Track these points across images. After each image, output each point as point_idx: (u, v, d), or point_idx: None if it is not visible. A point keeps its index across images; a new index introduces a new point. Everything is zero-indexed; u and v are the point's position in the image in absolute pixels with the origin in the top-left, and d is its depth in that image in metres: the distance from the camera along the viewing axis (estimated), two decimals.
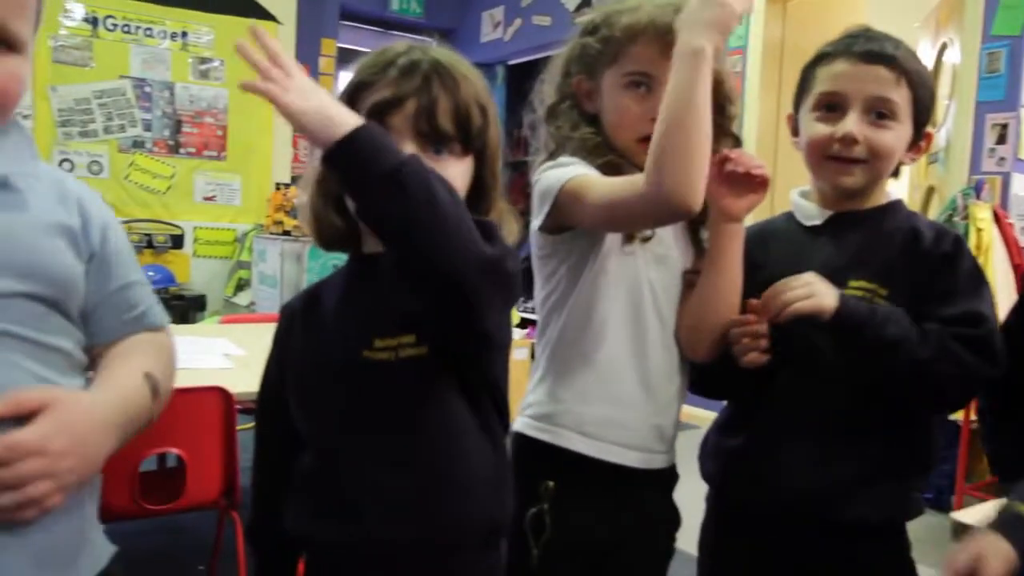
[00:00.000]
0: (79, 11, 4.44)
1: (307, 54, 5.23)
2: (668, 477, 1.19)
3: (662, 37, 1.07)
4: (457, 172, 0.90)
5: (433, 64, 0.89)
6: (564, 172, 1.06)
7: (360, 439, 0.89)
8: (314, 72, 5.40)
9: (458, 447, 0.90)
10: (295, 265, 3.91)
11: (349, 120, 0.76)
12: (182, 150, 4.79)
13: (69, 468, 0.75)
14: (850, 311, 1.04)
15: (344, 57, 5.62)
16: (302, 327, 0.96)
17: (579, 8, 4.92)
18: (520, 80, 5.42)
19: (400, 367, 0.87)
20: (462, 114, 0.89)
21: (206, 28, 4.79)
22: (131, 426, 0.85)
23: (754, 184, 1.06)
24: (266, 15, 4.92)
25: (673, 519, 1.20)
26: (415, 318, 0.87)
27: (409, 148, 0.87)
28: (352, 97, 0.90)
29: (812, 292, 1.04)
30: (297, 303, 1.00)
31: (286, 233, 4.05)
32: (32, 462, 0.72)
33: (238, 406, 1.70)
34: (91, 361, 0.90)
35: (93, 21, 4.48)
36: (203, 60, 4.82)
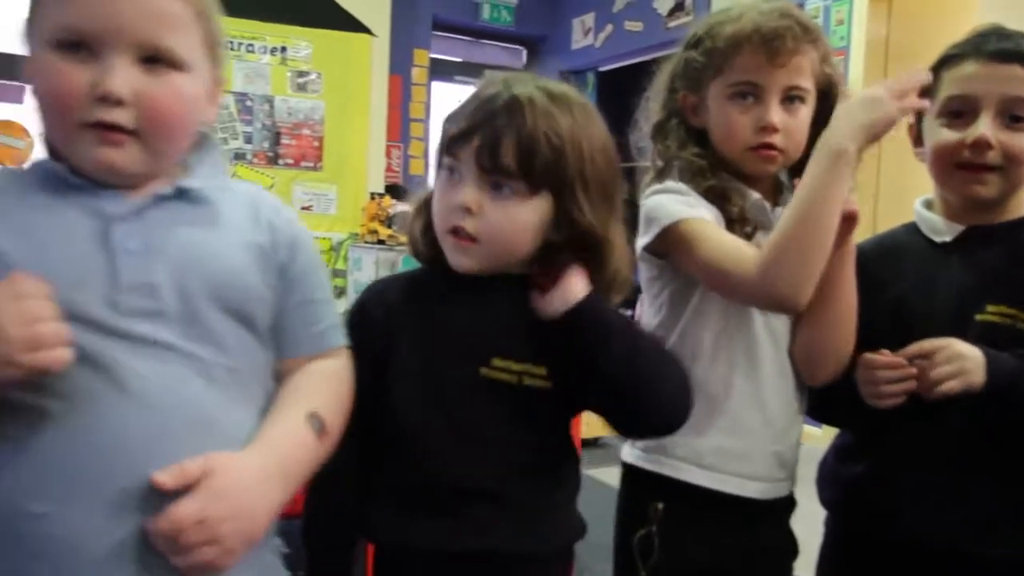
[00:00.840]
0: None
1: (400, 65, 5.33)
2: (786, 505, 1.15)
3: (767, 44, 1.05)
4: (520, 211, 0.89)
5: (509, 98, 0.88)
6: (677, 207, 1.05)
7: (464, 452, 0.90)
8: (406, 83, 5.49)
9: (557, 470, 0.94)
10: (389, 272, 3.98)
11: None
12: (280, 161, 4.93)
13: (231, 531, 0.78)
14: (1000, 377, 0.99)
15: (436, 67, 5.70)
16: (407, 331, 0.95)
17: (672, 13, 4.85)
18: (611, 86, 5.38)
19: (521, 392, 0.90)
20: (527, 150, 0.87)
21: (304, 42, 4.92)
22: (294, 472, 0.86)
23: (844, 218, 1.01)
24: (361, 28, 5.02)
25: (790, 549, 1.16)
26: (550, 355, 0.90)
27: (472, 185, 0.88)
28: (443, 129, 0.93)
29: (961, 369, 0.99)
30: (393, 300, 0.98)
31: (381, 242, 4.11)
32: (195, 532, 0.76)
33: None
34: (278, 376, 0.92)
35: None
36: (301, 73, 4.96)
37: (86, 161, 0.81)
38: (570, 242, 0.91)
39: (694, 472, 1.08)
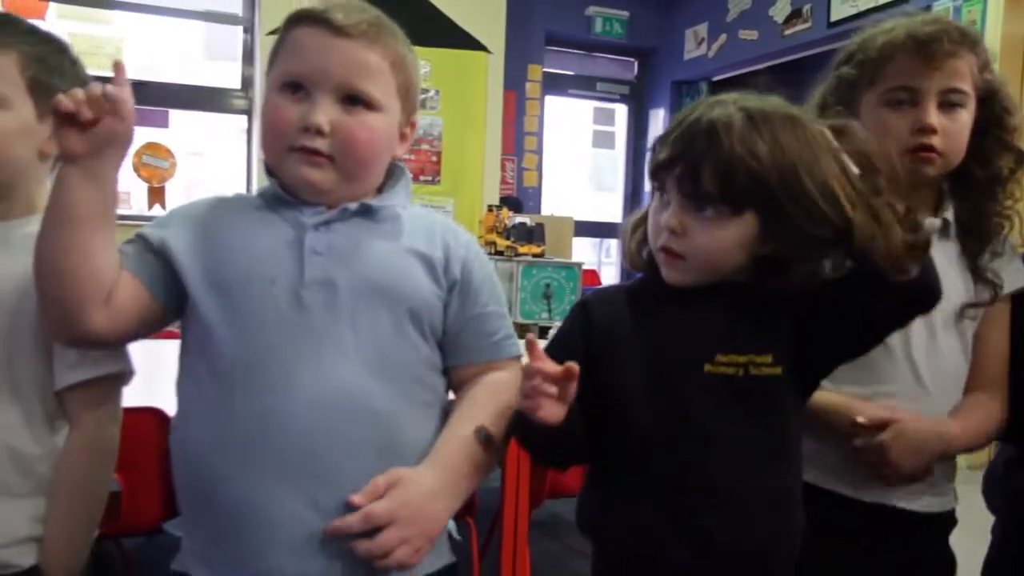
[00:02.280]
0: None
1: (514, 80, 5.44)
2: (946, 521, 1.16)
3: (922, 48, 1.07)
4: (723, 232, 0.94)
5: (707, 123, 0.93)
6: None
7: (693, 446, 0.96)
8: (520, 97, 5.61)
9: (787, 456, 0.99)
10: (508, 284, 4.07)
11: None
12: None
13: (417, 533, 0.92)
14: None
15: (549, 81, 5.79)
16: (629, 334, 1.01)
17: (788, 20, 4.79)
18: None
19: (748, 382, 0.95)
20: (725, 175, 0.91)
21: (423, 61, 5.10)
22: (464, 484, 0.99)
23: None
24: (478, 46, 5.17)
25: (947, 566, 1.17)
26: (775, 340, 0.96)
27: (677, 207, 0.96)
28: (650, 154, 1.01)
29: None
30: (615, 304, 1.05)
31: (499, 253, 4.21)
32: (390, 532, 0.90)
33: None
34: (457, 384, 1.06)
35: None
36: (420, 91, 5.14)
37: (292, 177, 0.98)
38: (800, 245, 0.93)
39: (845, 486, 1.12)
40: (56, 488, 1.05)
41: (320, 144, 0.96)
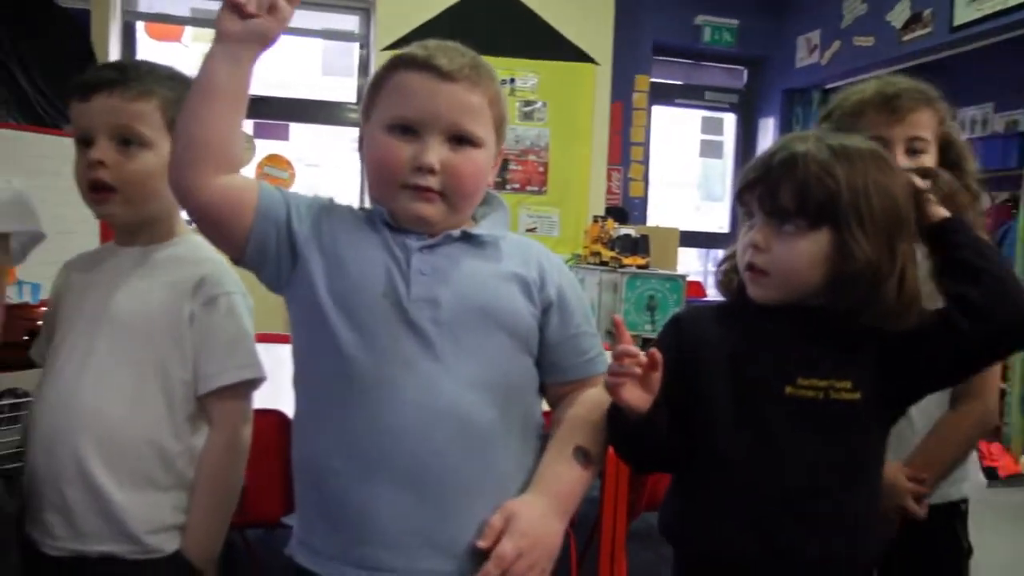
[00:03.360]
0: None
1: (621, 91, 5.46)
2: (949, 511, 1.34)
3: (889, 102, 1.29)
4: (801, 244, 1.02)
5: (787, 155, 1.03)
6: None
7: (774, 465, 1.02)
8: (627, 108, 5.61)
9: (867, 477, 1.06)
10: (612, 294, 4.09)
11: None
12: (508, 186, 5.21)
13: (540, 557, 1.00)
14: None
15: (656, 91, 5.78)
16: (716, 355, 1.08)
17: (908, 25, 4.63)
18: None
19: (828, 406, 1.02)
20: (802, 191, 1.01)
21: (531, 73, 5.19)
22: (568, 504, 1.06)
23: None
24: (585, 57, 5.22)
25: (958, 554, 1.33)
26: (855, 367, 1.03)
27: (761, 225, 1.05)
28: (737, 181, 1.13)
29: None
30: (706, 324, 1.12)
31: (603, 264, 4.23)
32: (519, 564, 0.98)
33: None
34: (554, 400, 1.14)
35: None
36: (527, 103, 5.23)
37: (404, 211, 1.06)
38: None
39: None
40: (198, 482, 1.18)
41: (432, 182, 1.03)
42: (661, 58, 5.87)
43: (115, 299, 1.19)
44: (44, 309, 1.32)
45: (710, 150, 6.40)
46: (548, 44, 5.17)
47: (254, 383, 1.22)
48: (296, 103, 5.11)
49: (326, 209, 1.09)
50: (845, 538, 1.02)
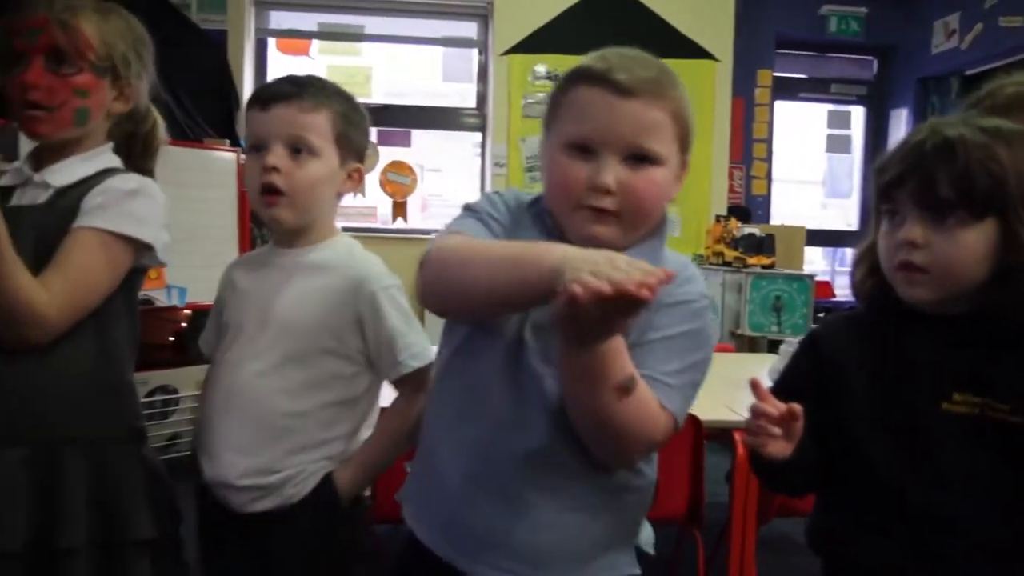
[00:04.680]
0: (542, 70, 5.06)
1: (743, 87, 5.33)
2: None
3: None
4: (967, 237, 0.96)
5: (939, 141, 0.95)
6: None
7: (929, 483, 0.97)
8: (749, 104, 5.47)
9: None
10: (736, 295, 3.99)
11: None
12: None
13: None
14: None
15: (779, 86, 5.61)
16: (860, 366, 1.03)
17: None
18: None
19: (985, 424, 0.96)
20: (964, 180, 0.93)
21: None
22: (599, 358, 0.96)
23: None
24: (705, 54, 5.12)
25: None
26: (1015, 389, 0.96)
27: (915, 222, 0.97)
28: (875, 178, 1.03)
29: None
30: (844, 337, 1.07)
31: (726, 264, 4.14)
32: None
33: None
34: None
35: (554, 78, 5.07)
36: None
37: (577, 233, 1.02)
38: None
39: None
40: (375, 432, 1.31)
41: (608, 203, 1.00)
42: (784, 51, 5.69)
43: (280, 296, 1.28)
44: (187, 312, 1.41)
45: (837, 145, 6.15)
46: (667, 42, 5.08)
47: (427, 368, 1.30)
48: (417, 110, 5.23)
49: (515, 227, 1.08)
50: (1007, 554, 0.96)
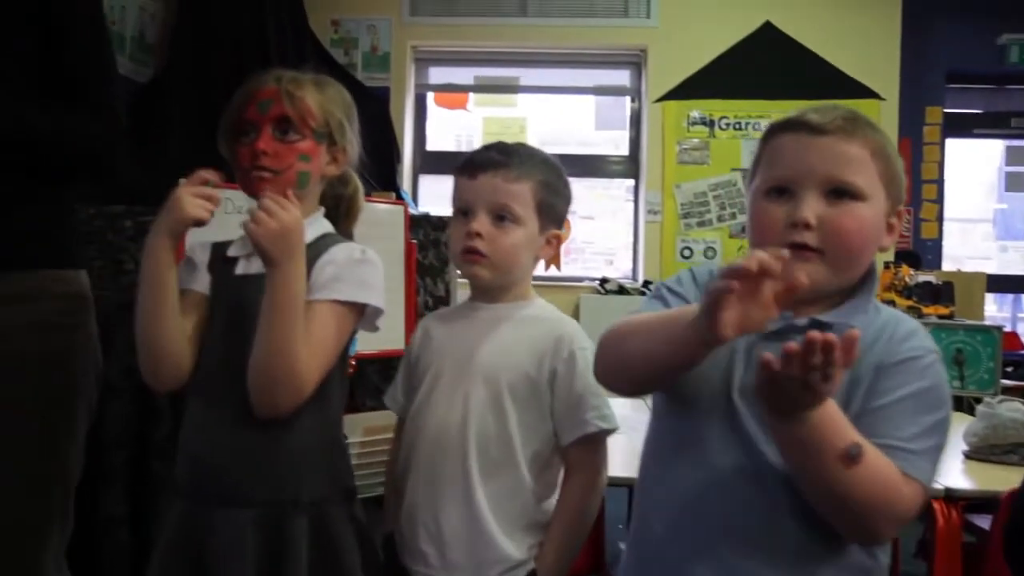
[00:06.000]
0: (698, 115, 5.01)
1: (911, 126, 5.07)
2: None
3: None
4: None
5: None
6: None
7: None
8: (917, 143, 5.20)
9: None
10: None
11: None
12: None
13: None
14: None
15: (951, 122, 5.30)
16: None
17: None
18: None
19: None
20: None
21: None
22: (818, 431, 0.91)
23: None
24: (869, 93, 4.92)
25: None
26: None
27: None
28: None
29: None
30: None
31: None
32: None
33: None
34: None
35: (710, 123, 5.01)
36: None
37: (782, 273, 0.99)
38: None
39: None
40: (557, 518, 1.31)
41: (808, 238, 0.99)
42: (956, 86, 5.38)
43: (482, 349, 1.33)
44: (354, 361, 1.47)
45: (1017, 183, 5.75)
46: (826, 82, 4.93)
47: (611, 432, 1.33)
48: (571, 158, 5.27)
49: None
50: None
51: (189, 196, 1.20)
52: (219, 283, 1.30)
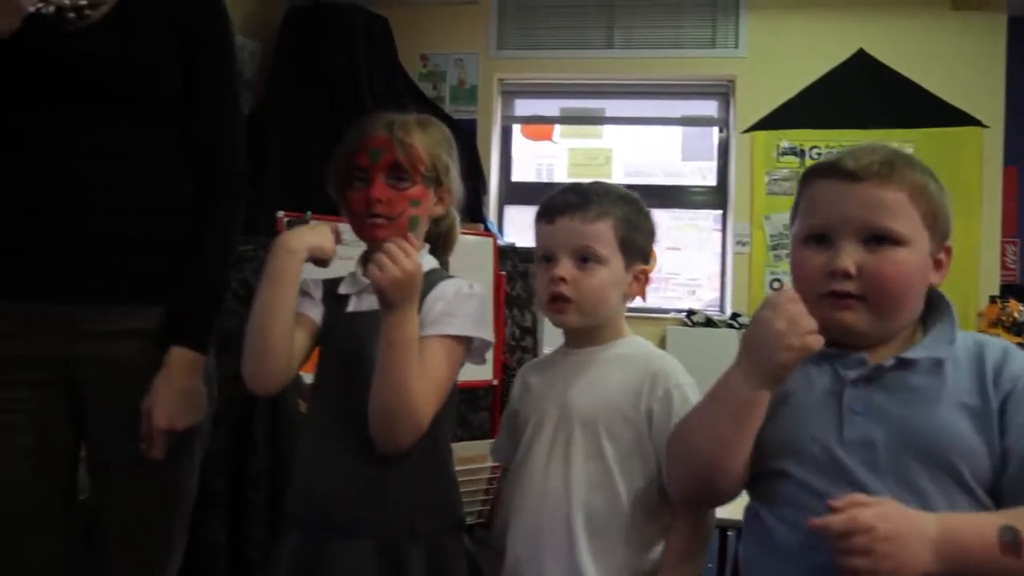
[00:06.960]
0: (788, 145, 4.90)
1: (1016, 154, 4.85)
2: None
3: None
4: None
5: None
6: None
7: None
8: None
9: None
10: None
11: None
12: None
13: (886, 552, 0.87)
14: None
15: None
16: None
17: None
18: None
19: None
20: None
21: (906, 143, 4.80)
22: (958, 557, 0.90)
23: None
24: (970, 120, 4.74)
25: None
26: None
27: None
28: None
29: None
30: None
31: None
32: (861, 539, 0.87)
33: None
34: None
35: (800, 153, 4.90)
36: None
37: (825, 322, 0.99)
38: None
39: None
40: (664, 561, 1.25)
41: (849, 287, 0.99)
42: None
43: (577, 395, 1.31)
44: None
45: None
46: (924, 110, 4.76)
47: None
48: (657, 189, 5.24)
49: None
50: None
51: (331, 234, 1.27)
52: (332, 318, 1.33)
